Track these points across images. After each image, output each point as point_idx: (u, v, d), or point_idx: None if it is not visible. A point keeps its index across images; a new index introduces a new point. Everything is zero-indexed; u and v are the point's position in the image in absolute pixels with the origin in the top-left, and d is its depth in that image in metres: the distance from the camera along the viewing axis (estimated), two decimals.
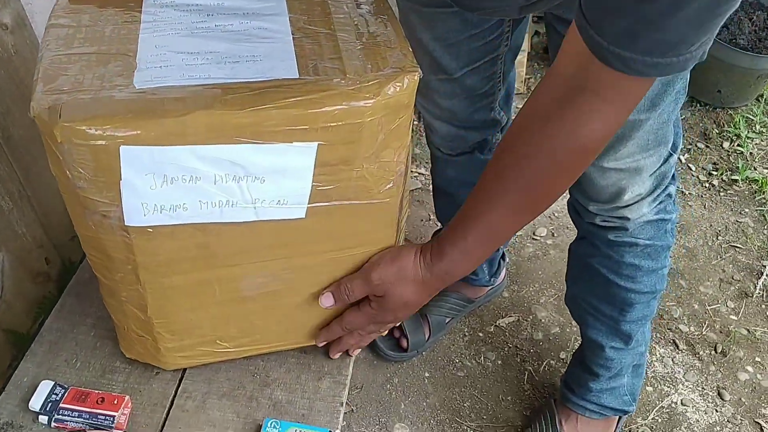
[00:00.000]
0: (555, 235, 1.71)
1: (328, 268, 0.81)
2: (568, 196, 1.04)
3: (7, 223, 1.09)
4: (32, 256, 1.17)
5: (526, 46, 2.03)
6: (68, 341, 0.91)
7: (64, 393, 0.84)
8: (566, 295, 1.21)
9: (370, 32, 0.74)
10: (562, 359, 1.45)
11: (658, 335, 1.51)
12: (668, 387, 1.42)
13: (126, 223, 0.69)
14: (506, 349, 1.47)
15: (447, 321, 1.45)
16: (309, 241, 0.77)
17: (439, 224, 1.70)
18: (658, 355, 1.47)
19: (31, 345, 0.91)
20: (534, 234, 1.70)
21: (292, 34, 0.73)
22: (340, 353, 0.91)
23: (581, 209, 1.03)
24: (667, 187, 0.99)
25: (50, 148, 0.64)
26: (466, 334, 1.49)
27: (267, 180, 0.69)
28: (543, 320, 1.52)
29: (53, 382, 0.85)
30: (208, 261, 0.75)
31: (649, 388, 1.42)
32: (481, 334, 1.49)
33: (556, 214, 1.75)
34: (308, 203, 0.72)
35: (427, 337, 1.42)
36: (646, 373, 1.43)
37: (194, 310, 0.80)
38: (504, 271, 1.51)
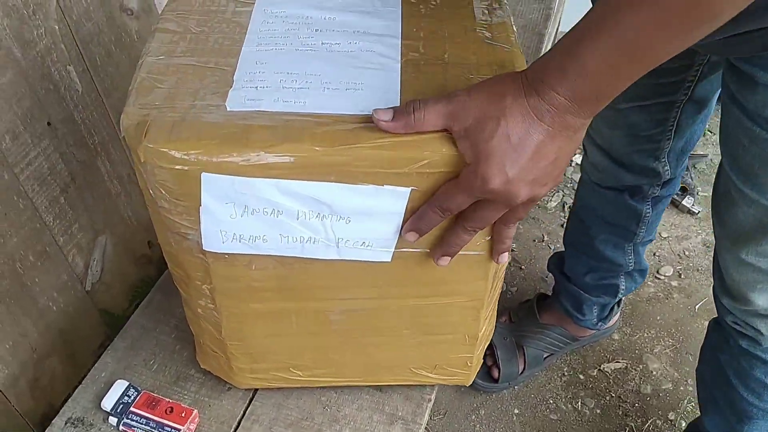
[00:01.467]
0: (682, 276, 1.55)
1: (411, 312, 0.75)
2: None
3: (114, 207, 1.11)
4: (136, 239, 1.19)
5: None
6: (149, 340, 0.91)
7: (137, 396, 0.83)
8: (697, 368, 1.09)
9: (490, 64, 0.66)
10: (671, 421, 1.31)
11: None
12: None
13: (204, 248, 0.65)
14: (608, 398, 1.35)
15: (545, 356, 1.35)
16: (393, 285, 0.71)
17: (554, 247, 1.58)
18: None
19: (117, 334, 0.91)
20: (658, 272, 1.55)
21: (402, 63, 0.66)
22: (446, 258, 0.65)
23: (716, 297, 0.91)
24: None
25: (137, 166, 0.61)
26: (565, 374, 1.38)
27: (353, 221, 0.63)
28: (654, 372, 1.38)
29: (127, 383, 0.84)
30: (287, 293, 0.71)
31: None
32: (581, 377, 1.38)
33: (686, 253, 1.59)
34: (395, 248, 0.66)
35: (521, 369, 1.33)
36: None
37: (269, 337, 0.77)
38: (617, 316, 1.39)
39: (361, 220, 0.63)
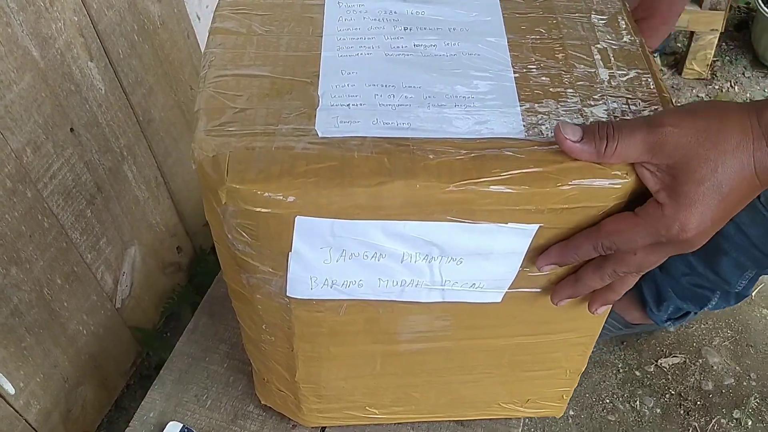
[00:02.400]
0: None
1: (512, 351, 0.66)
2: None
3: (142, 215, 1.00)
4: (164, 246, 1.08)
5: (718, 25, 1.74)
6: (199, 371, 0.81)
7: None
8: None
9: (619, 64, 0.56)
10: (736, 419, 1.24)
11: None
12: None
13: (288, 294, 0.56)
14: (667, 395, 1.28)
15: None
16: (497, 325, 0.62)
17: None
18: None
19: (160, 372, 0.81)
20: None
21: (513, 67, 0.55)
22: (568, 300, 0.56)
23: None
24: None
25: (209, 202, 0.51)
26: (620, 370, 1.31)
27: (465, 261, 0.54)
28: (715, 367, 1.31)
29: (181, 425, 0.75)
30: (376, 336, 0.62)
31: None
32: (638, 373, 1.30)
33: None
34: (508, 288, 0.57)
35: None
36: None
37: (348, 379, 0.68)
38: (687, 320, 1.29)
39: (474, 260, 0.54)
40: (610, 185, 0.48)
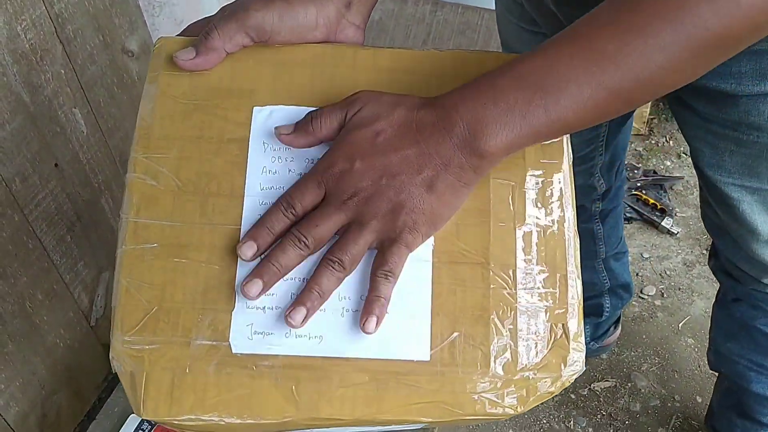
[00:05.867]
0: (665, 296, 1.60)
1: None
2: (713, 257, 0.96)
3: (116, 243, 1.13)
4: None
5: None
6: None
7: (151, 430, 0.85)
8: (713, 351, 1.12)
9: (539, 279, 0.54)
10: None
11: None
12: None
13: None
14: (599, 416, 1.39)
15: None
16: None
17: None
18: None
19: None
20: (641, 292, 1.60)
21: (434, 262, 0.53)
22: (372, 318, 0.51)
23: (739, 272, 0.92)
24: None
25: None
26: (557, 394, 1.42)
27: None
28: (642, 390, 1.42)
29: (140, 419, 0.86)
30: None
31: None
32: (573, 396, 1.42)
33: (668, 272, 1.64)
34: None
35: None
36: None
37: None
38: (613, 336, 1.42)
39: None
40: (503, 412, 0.50)
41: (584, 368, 0.52)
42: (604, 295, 1.27)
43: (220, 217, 0.53)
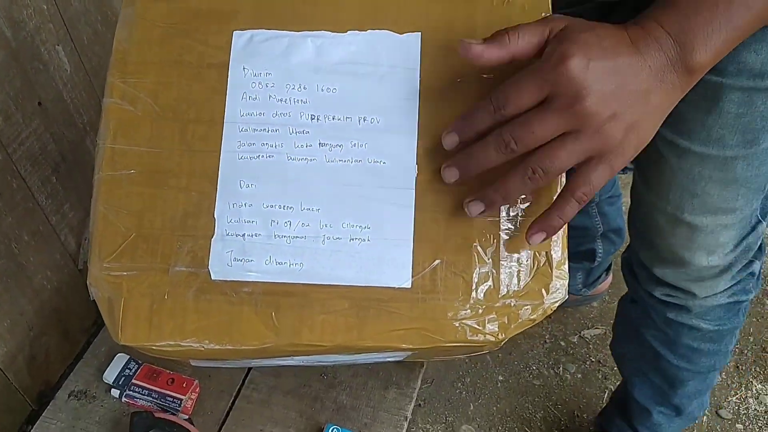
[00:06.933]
0: None
1: None
2: (627, 250, 0.91)
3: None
4: None
5: None
6: None
7: (138, 369, 0.85)
8: (612, 346, 1.09)
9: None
10: None
11: (757, 368, 1.40)
12: (760, 427, 1.32)
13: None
14: (588, 363, 1.40)
15: None
16: None
17: None
18: (754, 391, 1.37)
19: None
20: None
21: (416, 188, 0.52)
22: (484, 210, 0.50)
23: (640, 271, 0.88)
24: (750, 263, 0.82)
25: None
26: (547, 341, 1.43)
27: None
28: None
29: (128, 357, 0.86)
30: None
31: (739, 426, 1.32)
32: (563, 343, 1.43)
33: None
34: None
35: None
36: (737, 408, 1.33)
37: None
38: (605, 283, 1.43)
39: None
40: (485, 340, 0.51)
41: (566, 296, 0.52)
42: (597, 240, 1.26)
43: (200, 143, 0.53)
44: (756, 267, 0.84)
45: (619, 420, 1.14)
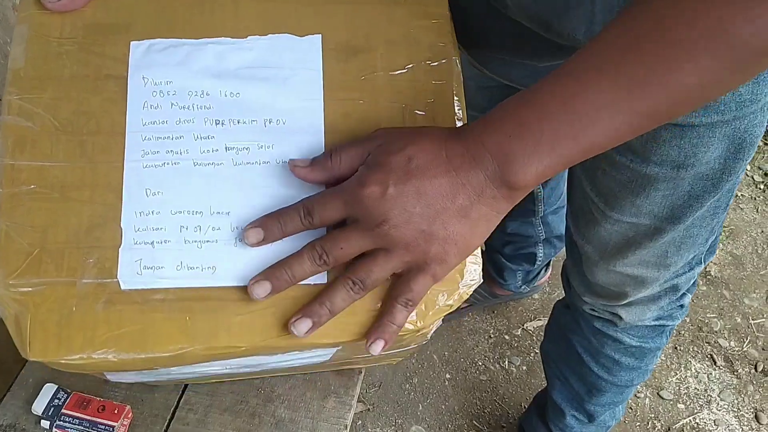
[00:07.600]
0: None
1: None
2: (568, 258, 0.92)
3: None
4: None
5: None
6: None
7: (67, 398, 0.83)
8: (542, 345, 1.14)
9: None
10: None
11: (695, 348, 1.44)
12: (701, 405, 1.36)
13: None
14: (532, 354, 1.42)
15: (463, 307, 1.41)
16: None
17: None
18: (693, 371, 1.41)
19: None
20: None
21: (324, 187, 0.53)
22: (378, 342, 0.49)
23: (575, 285, 0.90)
24: (681, 297, 0.85)
25: None
26: (492, 336, 1.45)
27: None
28: None
29: (56, 386, 0.84)
30: None
31: (681, 406, 1.35)
32: (507, 337, 1.44)
33: None
34: None
35: None
36: (678, 389, 1.37)
37: None
38: (544, 278, 1.45)
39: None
40: (405, 329, 0.51)
41: (481, 280, 0.52)
42: (538, 245, 1.28)
43: (102, 155, 0.52)
44: (686, 300, 0.87)
45: (536, 418, 1.18)
